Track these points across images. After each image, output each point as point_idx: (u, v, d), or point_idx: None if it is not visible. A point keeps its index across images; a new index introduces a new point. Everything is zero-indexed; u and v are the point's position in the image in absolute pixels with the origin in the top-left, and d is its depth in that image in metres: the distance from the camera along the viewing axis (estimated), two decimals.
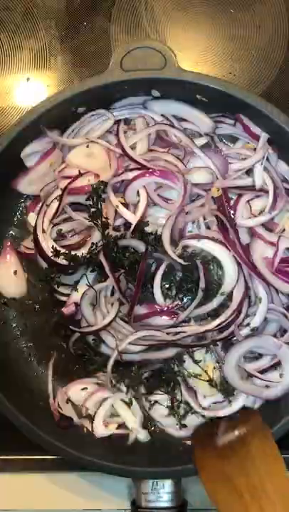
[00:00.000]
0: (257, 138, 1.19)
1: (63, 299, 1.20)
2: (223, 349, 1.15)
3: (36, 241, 1.17)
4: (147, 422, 1.20)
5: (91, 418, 1.18)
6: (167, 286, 1.14)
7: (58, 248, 1.16)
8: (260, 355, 1.15)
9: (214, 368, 1.16)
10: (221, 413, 1.15)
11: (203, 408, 1.17)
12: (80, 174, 1.18)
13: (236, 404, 1.15)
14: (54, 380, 1.23)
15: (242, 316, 1.13)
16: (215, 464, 1.05)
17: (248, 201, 1.18)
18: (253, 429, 1.08)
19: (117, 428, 1.18)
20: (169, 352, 1.15)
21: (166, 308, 1.13)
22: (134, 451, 1.17)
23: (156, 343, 1.13)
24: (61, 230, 1.19)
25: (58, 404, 1.20)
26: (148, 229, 1.15)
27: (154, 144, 1.21)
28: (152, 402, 1.19)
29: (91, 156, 1.20)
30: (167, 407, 1.18)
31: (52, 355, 1.24)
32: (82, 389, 1.19)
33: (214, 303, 1.12)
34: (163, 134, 1.20)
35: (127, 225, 1.17)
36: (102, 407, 1.17)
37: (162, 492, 1.13)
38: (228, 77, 1.40)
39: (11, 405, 1.13)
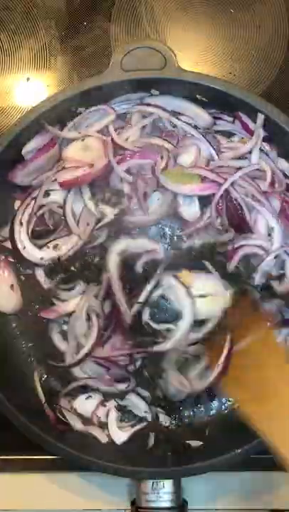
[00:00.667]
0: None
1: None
2: None
3: (11, 231, 1.17)
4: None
5: (105, 425, 1.18)
6: None
7: (29, 243, 1.16)
8: None
9: None
10: None
11: None
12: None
13: None
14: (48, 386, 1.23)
15: None
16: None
17: None
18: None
19: (132, 426, 1.18)
20: None
21: None
22: (134, 451, 1.17)
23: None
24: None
25: (60, 410, 1.19)
26: None
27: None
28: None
29: (87, 149, 1.18)
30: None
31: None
32: (87, 398, 1.19)
33: None
34: (159, 125, 1.20)
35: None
36: (110, 413, 1.18)
37: (162, 492, 1.13)
38: (228, 77, 1.40)
39: (10, 405, 1.13)
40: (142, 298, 1.09)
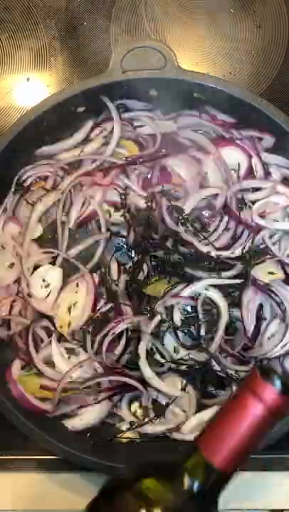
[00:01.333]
0: (223, 125, 1.21)
1: None
2: None
3: None
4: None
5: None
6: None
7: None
8: None
9: None
10: None
11: None
12: None
13: None
14: None
15: None
16: None
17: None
18: None
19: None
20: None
21: None
22: (134, 450, 1.17)
23: None
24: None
25: None
26: None
27: None
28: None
29: None
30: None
31: None
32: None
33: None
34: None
35: None
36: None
37: None
38: (228, 77, 1.40)
39: (11, 405, 1.13)
40: None
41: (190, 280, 1.16)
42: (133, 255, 1.19)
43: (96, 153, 1.22)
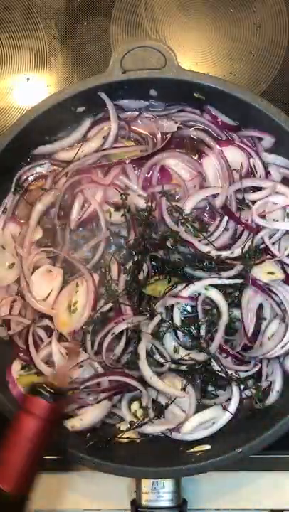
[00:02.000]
0: (225, 127, 1.21)
1: None
2: None
3: None
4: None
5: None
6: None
7: None
8: None
9: None
10: None
11: None
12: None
13: None
14: None
15: None
16: None
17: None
18: None
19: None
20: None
21: None
22: (134, 450, 1.17)
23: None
24: None
25: None
26: None
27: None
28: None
29: None
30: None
31: None
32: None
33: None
34: None
35: None
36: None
37: (162, 492, 1.13)
38: (228, 77, 1.40)
39: (11, 405, 1.13)
40: None
41: (190, 280, 1.16)
42: (133, 255, 1.18)
43: (95, 152, 1.22)
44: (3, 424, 1.20)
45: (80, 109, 1.21)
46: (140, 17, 1.42)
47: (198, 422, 1.17)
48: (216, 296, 1.15)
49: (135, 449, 1.17)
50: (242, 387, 1.16)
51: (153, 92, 1.21)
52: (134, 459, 1.14)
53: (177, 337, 1.16)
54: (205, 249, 1.16)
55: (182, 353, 1.15)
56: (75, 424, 1.17)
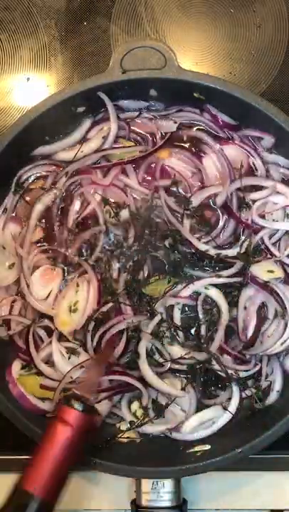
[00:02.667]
0: (225, 126, 1.21)
1: None
2: None
3: None
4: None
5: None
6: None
7: None
8: None
9: None
10: None
11: None
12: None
13: None
14: None
15: None
16: None
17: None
18: None
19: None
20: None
21: None
22: (134, 450, 1.17)
23: None
24: None
25: None
26: None
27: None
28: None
29: None
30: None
31: None
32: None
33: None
34: None
35: None
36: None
37: (162, 492, 1.13)
38: (228, 77, 1.40)
39: (11, 405, 1.13)
40: None
41: (190, 280, 1.16)
42: (133, 255, 1.18)
43: (95, 152, 1.22)
44: (3, 424, 1.22)
45: (80, 109, 1.21)
46: (140, 17, 1.42)
47: (198, 422, 1.17)
48: (216, 295, 1.15)
49: (135, 449, 1.17)
50: (242, 386, 1.16)
51: (153, 92, 1.21)
52: (134, 459, 1.14)
53: (177, 337, 1.16)
54: (204, 247, 1.16)
55: (182, 352, 1.15)
56: None
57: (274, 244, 1.18)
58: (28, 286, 1.19)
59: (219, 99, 1.17)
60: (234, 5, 1.42)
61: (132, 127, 1.24)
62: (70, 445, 0.95)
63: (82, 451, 1.00)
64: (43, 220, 1.23)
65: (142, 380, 1.15)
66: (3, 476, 1.25)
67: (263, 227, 1.18)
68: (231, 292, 1.17)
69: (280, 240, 1.19)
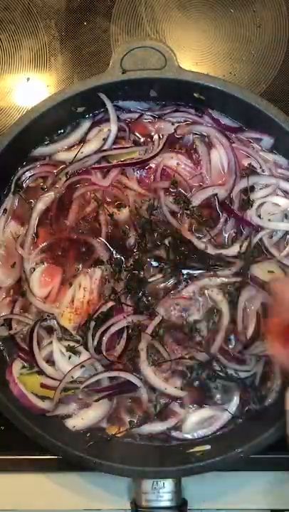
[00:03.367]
0: (226, 129, 1.22)
1: None
2: None
3: None
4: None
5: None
6: None
7: None
8: None
9: None
10: None
11: None
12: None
13: None
14: None
15: None
16: None
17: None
18: None
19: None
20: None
21: None
22: (134, 450, 1.17)
23: None
24: None
25: None
26: None
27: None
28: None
29: None
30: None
31: None
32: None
33: None
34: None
35: None
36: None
37: (162, 492, 1.13)
38: (228, 77, 1.40)
39: (11, 405, 1.13)
40: None
41: (190, 280, 1.16)
42: (134, 254, 1.19)
43: (95, 153, 1.22)
44: (3, 424, 1.22)
45: (80, 110, 1.21)
46: (140, 17, 1.42)
47: (198, 422, 1.17)
48: (217, 295, 1.15)
49: (135, 449, 1.17)
50: (242, 387, 1.16)
51: (153, 93, 1.21)
52: (134, 459, 1.14)
53: (177, 337, 1.16)
54: (204, 247, 1.16)
55: (182, 352, 1.15)
56: (76, 423, 1.17)
57: (273, 244, 1.18)
58: (29, 285, 1.19)
59: (219, 100, 1.17)
60: (234, 5, 1.42)
61: (132, 128, 1.24)
62: None
63: None
64: (43, 220, 1.24)
65: (141, 379, 1.15)
66: (3, 476, 1.25)
67: (262, 228, 1.18)
68: (232, 292, 1.16)
69: (279, 240, 1.19)
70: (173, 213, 1.20)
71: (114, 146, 1.23)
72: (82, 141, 1.24)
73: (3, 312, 1.21)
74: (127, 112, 1.24)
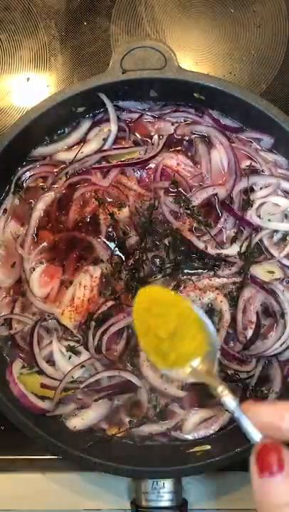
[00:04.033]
0: (226, 129, 1.22)
1: None
2: None
3: None
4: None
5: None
6: None
7: None
8: None
9: None
10: None
11: None
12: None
13: None
14: None
15: None
16: None
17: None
18: None
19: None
20: None
21: None
22: (134, 450, 1.17)
23: None
24: None
25: None
26: None
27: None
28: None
29: None
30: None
31: None
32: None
33: None
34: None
35: None
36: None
37: (162, 492, 1.13)
38: (228, 77, 1.40)
39: (11, 405, 1.13)
40: None
41: (190, 280, 1.16)
42: (134, 254, 1.19)
43: (95, 153, 1.22)
44: (3, 424, 1.22)
45: (80, 110, 1.21)
46: (140, 17, 1.42)
47: (198, 422, 1.17)
48: (217, 295, 1.15)
49: (135, 449, 1.17)
50: (242, 387, 1.16)
51: (153, 93, 1.21)
52: (134, 459, 1.14)
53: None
54: (204, 246, 1.16)
55: None
56: (76, 424, 1.17)
57: (273, 244, 1.18)
58: (29, 285, 1.19)
59: (219, 100, 1.17)
60: (234, 5, 1.42)
61: (132, 128, 1.24)
62: None
63: None
64: (43, 220, 1.24)
65: (141, 379, 1.15)
66: (3, 476, 1.25)
67: (262, 228, 1.18)
68: (232, 292, 1.17)
69: (279, 240, 1.19)
70: (173, 213, 1.20)
71: (114, 146, 1.24)
72: (82, 141, 1.24)
73: (3, 312, 1.21)
74: (127, 112, 1.24)
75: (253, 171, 1.21)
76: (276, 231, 1.19)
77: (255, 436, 0.70)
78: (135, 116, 1.24)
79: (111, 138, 1.22)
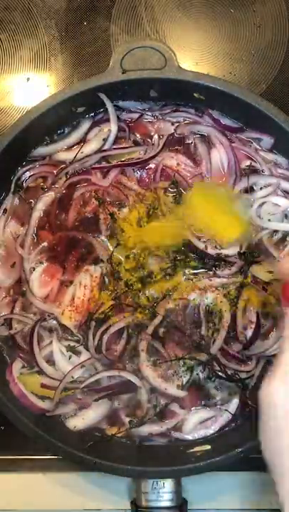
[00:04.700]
0: (226, 129, 1.22)
1: None
2: None
3: None
4: None
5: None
6: None
7: None
8: None
9: None
10: None
11: None
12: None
13: None
14: None
15: None
16: None
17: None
18: None
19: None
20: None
21: None
22: (134, 450, 1.17)
23: None
24: None
25: None
26: None
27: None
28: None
29: None
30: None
31: None
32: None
33: None
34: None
35: None
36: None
37: (162, 492, 1.13)
38: (228, 77, 1.40)
39: (11, 405, 1.13)
40: None
41: (190, 280, 1.16)
42: (134, 254, 1.19)
43: (95, 153, 1.22)
44: (3, 424, 1.22)
45: (80, 110, 1.21)
46: (140, 17, 1.42)
47: (198, 422, 1.17)
48: (217, 295, 1.15)
49: (135, 449, 1.17)
50: (242, 387, 1.16)
51: (153, 93, 1.21)
52: (134, 459, 1.14)
53: (177, 337, 1.16)
54: (203, 246, 1.16)
55: (182, 352, 1.15)
56: (76, 424, 1.17)
57: (275, 244, 1.18)
58: (29, 285, 1.19)
59: (219, 100, 1.17)
60: (234, 5, 1.42)
61: (132, 128, 1.24)
62: None
63: None
64: (43, 220, 1.24)
65: (141, 379, 1.15)
66: (3, 476, 1.25)
67: (262, 228, 1.18)
68: (232, 292, 1.17)
69: (279, 240, 1.19)
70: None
71: (114, 146, 1.23)
72: (82, 141, 1.24)
73: (4, 312, 1.21)
74: (127, 112, 1.24)
75: (253, 171, 1.21)
76: (276, 231, 1.19)
77: None
78: (135, 116, 1.24)
79: (111, 138, 1.22)
